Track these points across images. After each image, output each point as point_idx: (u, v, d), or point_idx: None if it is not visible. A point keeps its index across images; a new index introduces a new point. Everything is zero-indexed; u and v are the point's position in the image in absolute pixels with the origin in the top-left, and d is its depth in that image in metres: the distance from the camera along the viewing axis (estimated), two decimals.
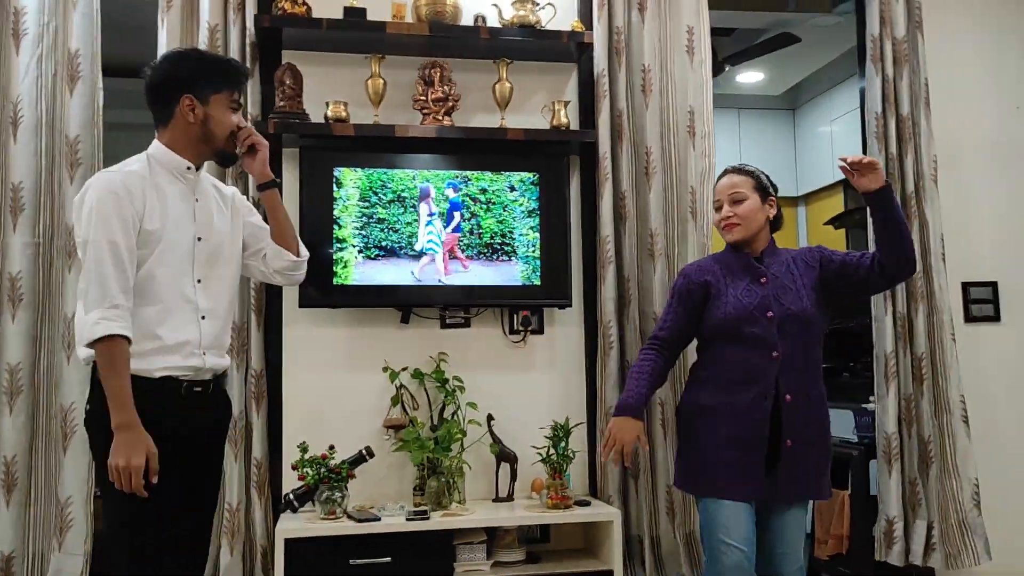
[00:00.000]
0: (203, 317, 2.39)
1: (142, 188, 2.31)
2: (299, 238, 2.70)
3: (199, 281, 2.39)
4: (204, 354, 2.38)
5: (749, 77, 5.96)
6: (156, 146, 2.41)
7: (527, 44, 3.57)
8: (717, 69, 5.12)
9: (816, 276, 2.77)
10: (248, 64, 3.35)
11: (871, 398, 3.85)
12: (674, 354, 2.89)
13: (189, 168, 2.41)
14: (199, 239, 2.41)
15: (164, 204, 2.34)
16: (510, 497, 3.43)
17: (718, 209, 2.83)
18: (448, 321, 3.59)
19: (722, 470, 2.66)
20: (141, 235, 2.29)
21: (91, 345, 2.20)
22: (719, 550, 2.62)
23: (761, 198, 2.80)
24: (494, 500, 3.45)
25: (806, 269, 2.78)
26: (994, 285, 4.07)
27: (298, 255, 2.64)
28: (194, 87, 2.36)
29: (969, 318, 4.03)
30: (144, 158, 2.40)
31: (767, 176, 2.85)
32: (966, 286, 4.03)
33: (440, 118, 3.49)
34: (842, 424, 4.85)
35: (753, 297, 2.72)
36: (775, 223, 2.86)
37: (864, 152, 3.90)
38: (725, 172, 2.88)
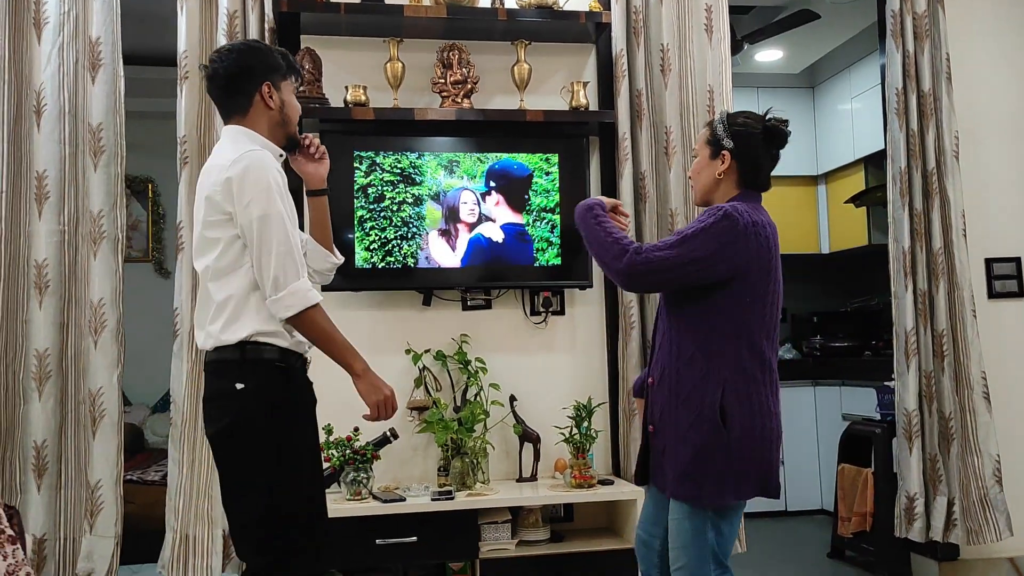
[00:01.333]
0: None
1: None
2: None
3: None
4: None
5: (768, 55, 5.92)
6: (257, 136, 2.38)
7: (545, 25, 3.56)
8: (736, 47, 5.08)
9: None
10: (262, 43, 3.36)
11: (892, 376, 3.85)
12: None
13: (281, 155, 2.47)
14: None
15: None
16: (533, 477, 3.45)
17: None
18: (469, 303, 3.60)
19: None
20: None
21: (302, 314, 2.26)
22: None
23: (711, 153, 2.41)
24: (518, 480, 3.48)
25: None
26: (1017, 260, 4.05)
27: (336, 259, 2.70)
28: (270, 75, 2.41)
29: (993, 294, 4.01)
30: (258, 147, 2.37)
31: (735, 123, 2.40)
32: (989, 262, 4.01)
33: (459, 101, 3.49)
34: (864, 402, 4.86)
35: None
36: (748, 179, 2.40)
37: (885, 129, 3.87)
38: None
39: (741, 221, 2.25)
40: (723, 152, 2.38)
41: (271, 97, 2.40)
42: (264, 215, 2.25)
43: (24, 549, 0.91)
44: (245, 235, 2.26)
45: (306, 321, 2.29)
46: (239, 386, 2.28)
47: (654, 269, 2.25)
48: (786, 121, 2.43)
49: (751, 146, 2.38)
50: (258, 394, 2.29)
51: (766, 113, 2.43)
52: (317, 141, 2.58)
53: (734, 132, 2.38)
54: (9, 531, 0.95)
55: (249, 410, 2.29)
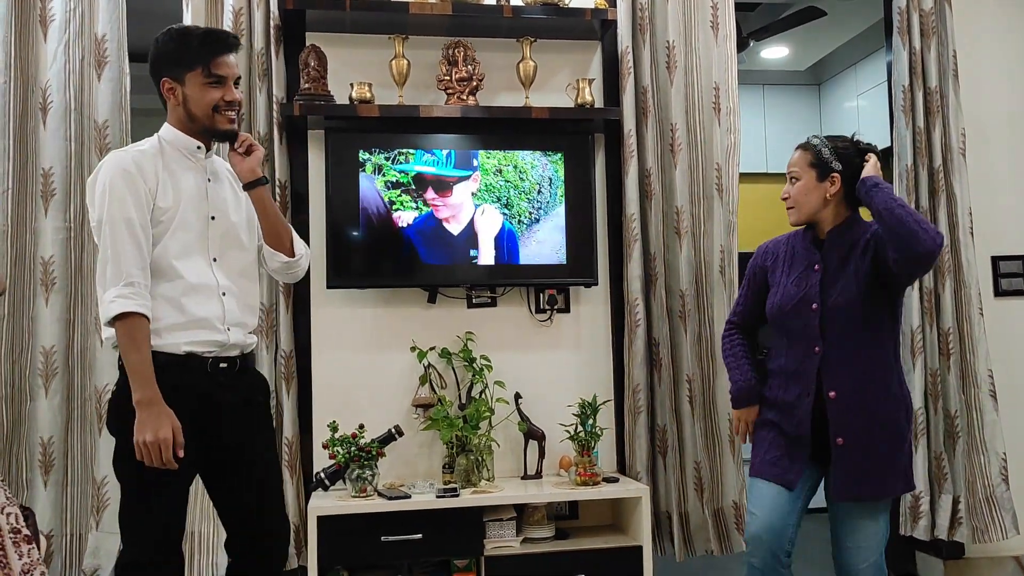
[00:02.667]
0: (224, 294, 2.38)
1: (154, 166, 2.32)
2: (295, 235, 2.60)
3: (215, 260, 2.39)
4: (228, 330, 2.37)
5: (774, 52, 5.91)
6: (165, 128, 2.42)
7: (551, 22, 3.56)
8: (742, 44, 5.08)
9: (870, 260, 2.54)
10: (273, 46, 3.36)
11: None
12: (750, 334, 2.86)
13: (199, 148, 2.41)
14: (212, 218, 2.40)
15: (176, 182, 2.35)
16: (538, 474, 3.46)
17: None
18: (475, 300, 3.60)
19: (763, 451, 2.66)
20: (155, 212, 2.29)
21: (110, 324, 2.21)
22: (747, 520, 2.67)
23: (818, 176, 2.60)
24: (523, 477, 3.48)
25: (864, 253, 2.55)
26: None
27: (292, 255, 2.55)
28: (169, 69, 2.35)
29: (999, 292, 4.00)
30: (155, 139, 2.41)
31: (837, 147, 2.61)
32: (996, 260, 3.99)
33: (464, 98, 3.49)
34: None
35: (800, 287, 2.61)
36: (852, 197, 2.61)
37: (891, 126, 3.86)
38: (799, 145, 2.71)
39: None
40: (833, 175, 2.59)
41: (172, 93, 2.36)
42: (96, 221, 2.27)
43: (39, 550, 0.91)
44: None
45: (115, 331, 2.22)
46: (113, 388, 2.34)
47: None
48: (875, 146, 2.67)
49: (855, 167, 2.59)
50: (117, 397, 2.30)
51: (853, 136, 2.68)
52: (245, 135, 2.46)
53: (839, 155, 2.59)
54: (26, 531, 0.96)
55: (111, 412, 2.31)
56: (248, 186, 2.47)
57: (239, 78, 2.42)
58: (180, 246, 2.32)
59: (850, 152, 2.61)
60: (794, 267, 2.66)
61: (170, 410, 2.20)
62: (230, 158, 2.47)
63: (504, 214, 3.50)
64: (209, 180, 2.43)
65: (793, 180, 2.64)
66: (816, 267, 2.60)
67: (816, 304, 2.56)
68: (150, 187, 2.29)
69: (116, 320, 2.20)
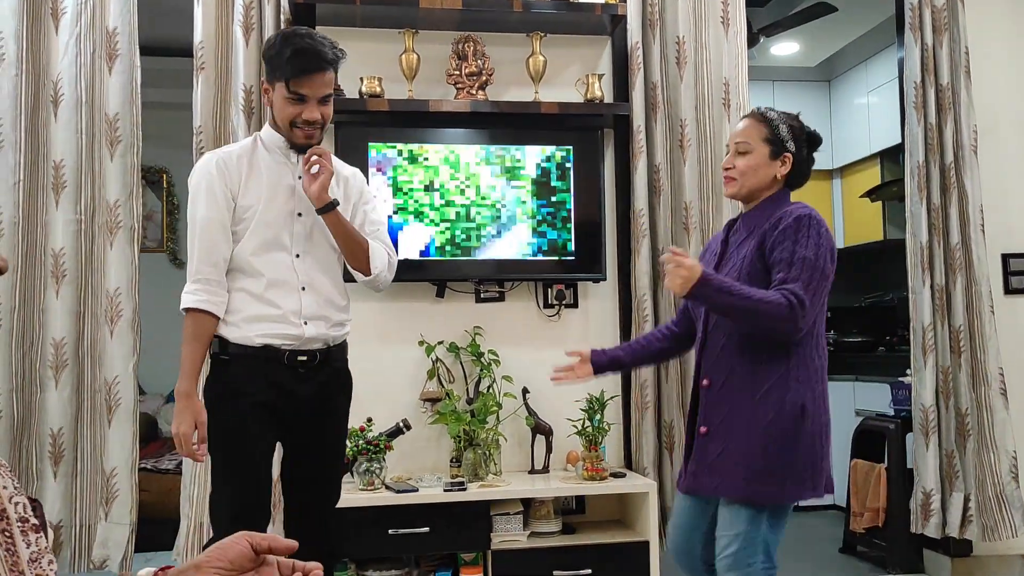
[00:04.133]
0: (303, 288, 2.42)
1: (238, 166, 2.40)
2: (374, 251, 2.53)
3: (297, 256, 2.43)
4: (304, 324, 2.40)
5: (784, 48, 5.89)
6: (265, 126, 2.50)
7: (560, 17, 3.55)
8: (752, 40, 5.06)
9: (760, 255, 2.31)
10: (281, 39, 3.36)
11: (908, 371, 3.83)
12: (681, 333, 2.64)
13: (291, 148, 2.44)
14: (299, 215, 2.43)
15: (260, 180, 2.41)
16: (546, 469, 3.46)
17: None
18: (483, 295, 3.61)
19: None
20: (237, 211, 2.39)
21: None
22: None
23: (771, 152, 2.37)
24: (530, 472, 3.48)
25: (759, 241, 2.33)
26: None
27: (368, 273, 2.52)
28: (268, 73, 2.43)
29: (1009, 290, 3.98)
30: (253, 137, 2.50)
31: (794, 125, 2.41)
32: (1006, 258, 3.98)
33: (474, 92, 3.49)
34: (877, 398, 4.84)
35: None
36: (792, 179, 2.42)
37: (903, 123, 3.85)
38: (748, 114, 2.48)
39: (822, 220, 2.31)
40: (786, 154, 2.38)
41: (267, 96, 2.43)
42: (190, 217, 2.41)
43: (47, 540, 0.93)
44: None
45: (187, 323, 2.37)
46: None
47: (811, 309, 2.21)
48: (819, 134, 2.48)
49: (804, 151, 2.42)
50: (206, 386, 2.43)
51: (798, 115, 2.46)
52: (314, 154, 2.40)
53: (795, 136, 2.40)
54: (33, 520, 0.97)
55: (204, 400, 2.40)
56: (320, 211, 2.43)
57: (329, 95, 2.42)
58: (259, 243, 2.39)
59: (802, 135, 2.42)
60: (715, 254, 2.48)
61: (198, 405, 2.33)
62: (303, 178, 2.44)
63: (512, 209, 3.50)
64: (300, 177, 2.44)
65: (742, 152, 2.39)
66: (716, 251, 2.47)
67: None
68: (232, 188, 2.39)
69: (186, 312, 2.35)
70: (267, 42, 2.49)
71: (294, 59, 2.33)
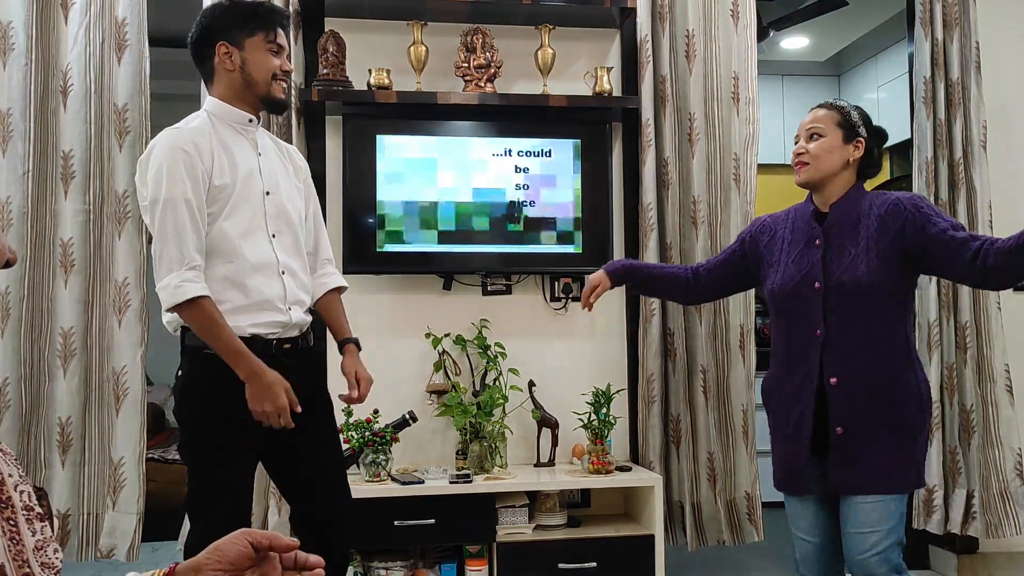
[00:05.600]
0: (283, 272, 2.34)
1: (209, 144, 2.25)
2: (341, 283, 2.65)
3: (274, 236, 2.33)
4: (289, 309, 2.33)
5: (794, 42, 5.87)
6: (211, 102, 2.36)
7: (569, 10, 3.55)
8: (762, 34, 5.04)
9: (890, 241, 2.31)
10: (292, 32, 3.36)
11: None
12: (700, 285, 2.68)
13: (251, 120, 2.37)
14: (267, 193, 2.34)
15: (232, 158, 2.29)
16: (551, 462, 3.46)
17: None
18: (489, 288, 3.61)
19: (778, 464, 2.50)
20: (211, 192, 2.24)
21: (176, 309, 2.17)
22: (794, 541, 2.52)
23: (844, 136, 2.39)
24: (535, 465, 3.49)
25: (881, 229, 2.32)
26: None
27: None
28: (227, 34, 2.29)
29: (1018, 287, 3.96)
30: (203, 115, 2.35)
31: (863, 114, 2.45)
32: None
33: (482, 85, 3.49)
34: None
35: (801, 265, 2.39)
36: (864, 169, 2.45)
37: (912, 118, 3.83)
38: (816, 107, 2.51)
39: None
40: (859, 139, 2.41)
41: (229, 57, 2.29)
42: (153, 201, 2.19)
43: (52, 528, 0.93)
44: None
45: (184, 316, 2.19)
46: (178, 373, 2.30)
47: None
48: (886, 132, 2.54)
49: (873, 140, 2.45)
50: (184, 383, 2.28)
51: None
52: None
53: (865, 123, 2.43)
54: (38, 509, 0.97)
55: (178, 398, 2.29)
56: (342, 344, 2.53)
57: (289, 55, 2.41)
58: (243, 225, 2.27)
59: (871, 125, 2.46)
60: (794, 244, 2.44)
61: (277, 374, 2.21)
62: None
63: (520, 202, 3.50)
64: (260, 154, 2.38)
65: (815, 136, 2.40)
66: (817, 242, 2.39)
67: (819, 283, 2.35)
68: (206, 166, 2.23)
69: (186, 306, 2.16)
70: (217, 8, 2.35)
71: (261, 9, 2.31)
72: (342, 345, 2.53)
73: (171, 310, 2.20)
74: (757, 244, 2.56)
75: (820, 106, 2.48)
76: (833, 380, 2.33)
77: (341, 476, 2.53)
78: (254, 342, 2.25)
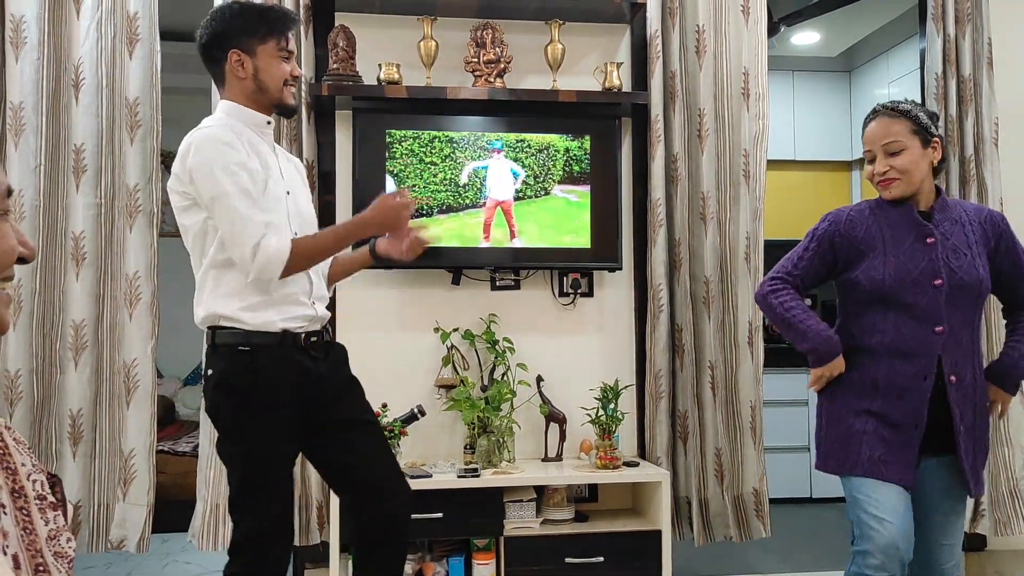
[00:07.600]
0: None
1: (240, 142, 2.25)
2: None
3: (295, 234, 2.31)
4: (314, 304, 2.35)
5: (804, 38, 5.84)
6: (226, 105, 2.34)
7: (579, 5, 3.54)
8: (772, 30, 5.02)
9: (987, 249, 2.37)
10: (302, 26, 3.38)
11: None
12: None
13: (268, 123, 2.37)
14: (288, 193, 2.35)
15: (262, 158, 2.29)
16: (559, 457, 3.47)
17: (871, 161, 2.39)
18: (498, 283, 3.61)
19: (868, 446, 2.32)
20: (256, 185, 2.24)
21: (286, 272, 2.19)
22: (870, 527, 2.25)
23: (922, 142, 2.34)
24: (543, 460, 3.49)
25: (983, 236, 2.37)
26: None
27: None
28: (238, 41, 2.27)
29: None
30: (222, 117, 2.33)
31: (925, 111, 2.38)
32: None
33: (492, 80, 3.49)
34: None
35: (919, 260, 2.31)
36: (938, 171, 2.42)
37: None
38: (875, 113, 2.40)
39: None
40: (935, 139, 2.36)
41: (241, 65, 2.28)
42: (212, 197, 2.17)
43: (65, 517, 0.93)
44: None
45: (298, 267, 2.22)
46: (209, 372, 2.29)
47: None
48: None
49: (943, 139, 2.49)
50: (220, 381, 2.26)
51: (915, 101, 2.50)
52: (413, 245, 2.46)
53: (932, 120, 2.38)
54: (51, 498, 0.97)
55: (214, 397, 2.27)
56: (370, 266, 2.60)
57: (298, 56, 2.43)
58: (278, 222, 2.26)
59: (936, 117, 2.42)
60: (897, 239, 2.35)
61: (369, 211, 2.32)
62: (383, 246, 2.50)
63: (529, 197, 3.50)
64: (276, 156, 2.39)
65: (895, 152, 2.32)
66: (929, 240, 2.33)
67: (940, 280, 2.29)
68: (246, 160, 2.23)
69: (291, 262, 2.19)
70: (225, 14, 2.31)
71: (272, 15, 2.30)
72: (366, 246, 2.55)
73: (284, 275, 2.21)
74: (851, 237, 2.40)
75: (883, 114, 2.37)
76: (952, 379, 2.31)
77: (390, 456, 2.51)
78: (285, 336, 2.26)
